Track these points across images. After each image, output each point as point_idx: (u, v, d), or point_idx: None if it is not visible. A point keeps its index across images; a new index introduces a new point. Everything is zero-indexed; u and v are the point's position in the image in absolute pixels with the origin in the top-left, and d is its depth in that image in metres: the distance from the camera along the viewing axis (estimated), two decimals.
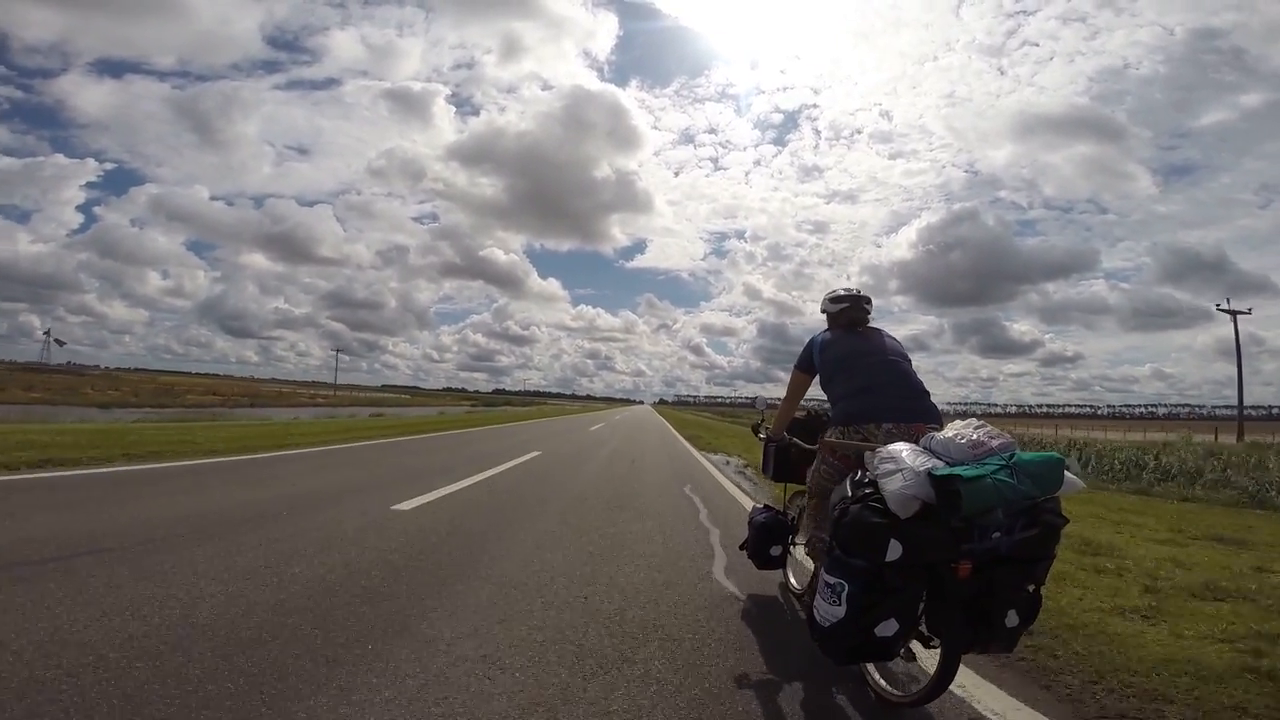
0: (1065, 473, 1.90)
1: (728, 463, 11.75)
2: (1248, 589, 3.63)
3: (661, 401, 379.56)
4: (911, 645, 2.14)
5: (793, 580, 3.47)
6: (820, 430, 3.10)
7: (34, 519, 4.10)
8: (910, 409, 2.50)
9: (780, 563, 3.39)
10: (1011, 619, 1.93)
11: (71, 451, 7.18)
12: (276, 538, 3.98)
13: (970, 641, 1.96)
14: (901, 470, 1.84)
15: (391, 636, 2.52)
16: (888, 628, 1.86)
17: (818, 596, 2.01)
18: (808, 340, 2.97)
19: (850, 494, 2.00)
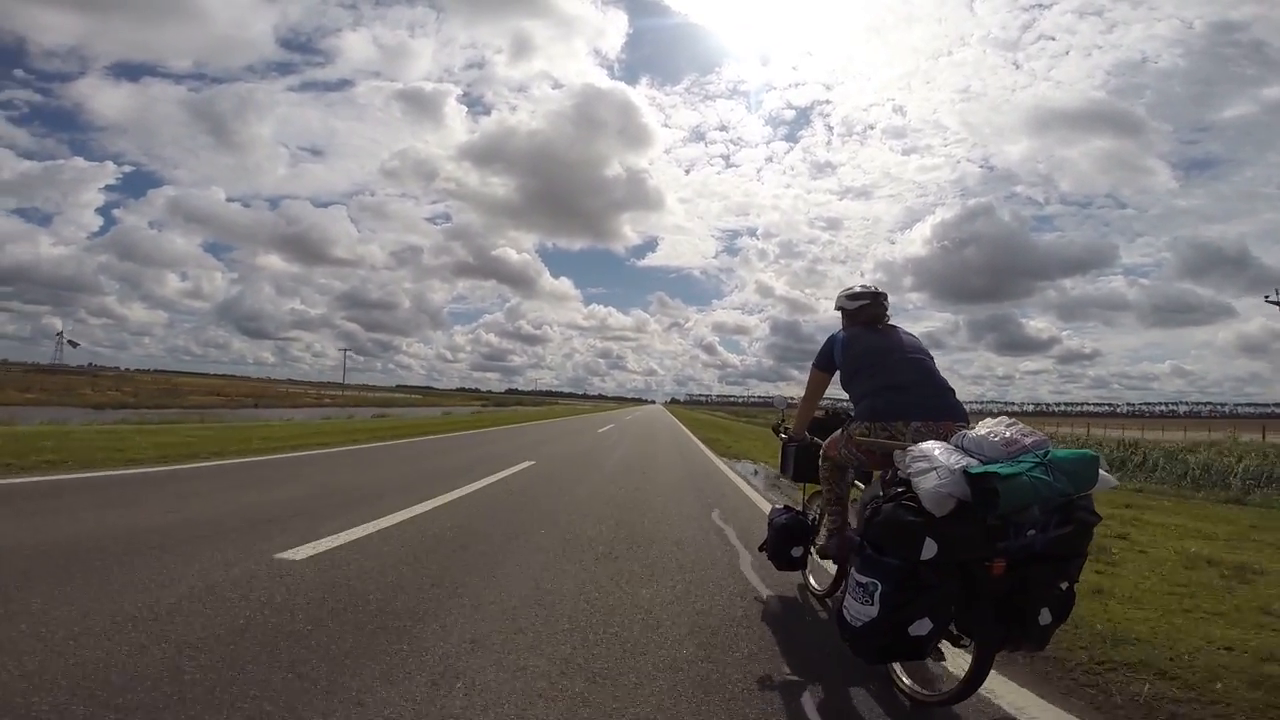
0: (1099, 470, 1.90)
1: (756, 472, 10.06)
2: None
3: (674, 401, 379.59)
4: (941, 645, 2.13)
5: (813, 582, 3.45)
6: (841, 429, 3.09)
7: None
8: (939, 406, 2.49)
9: (802, 564, 3.36)
10: (1045, 617, 1.93)
11: None
12: (54, 612, 2.49)
13: (1003, 640, 1.95)
14: (936, 468, 1.83)
15: None
16: (921, 627, 1.85)
17: (848, 596, 2.00)
18: (826, 338, 2.95)
19: (882, 492, 1.99)
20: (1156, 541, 5.04)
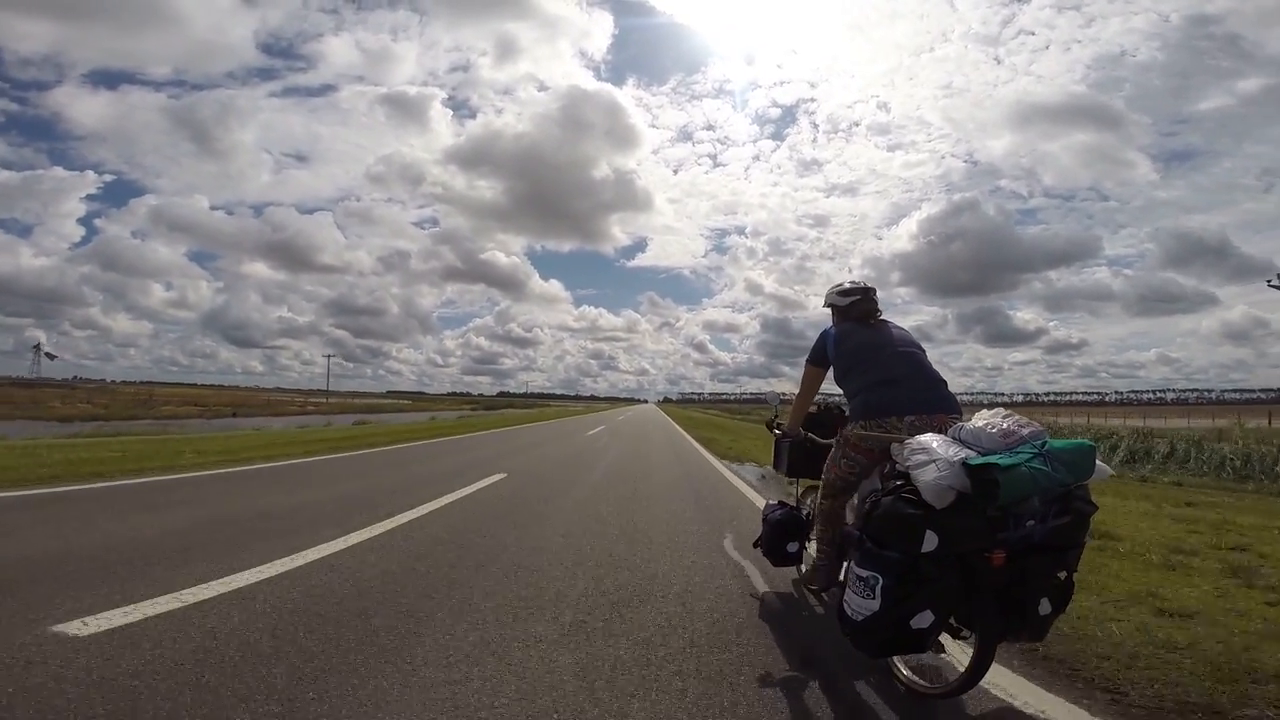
0: (1096, 460, 1.91)
1: (763, 477, 8.87)
2: None
3: (666, 400, 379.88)
4: (941, 637, 2.13)
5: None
6: (835, 424, 3.09)
7: None
8: (931, 400, 2.50)
9: (797, 559, 3.38)
10: (1044, 607, 1.94)
11: None
12: None
13: (1003, 631, 1.96)
14: (935, 461, 1.84)
15: None
16: (923, 619, 1.86)
17: (848, 590, 2.00)
18: (819, 334, 2.95)
19: (881, 486, 1.99)
20: None
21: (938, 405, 2.47)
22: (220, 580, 3.11)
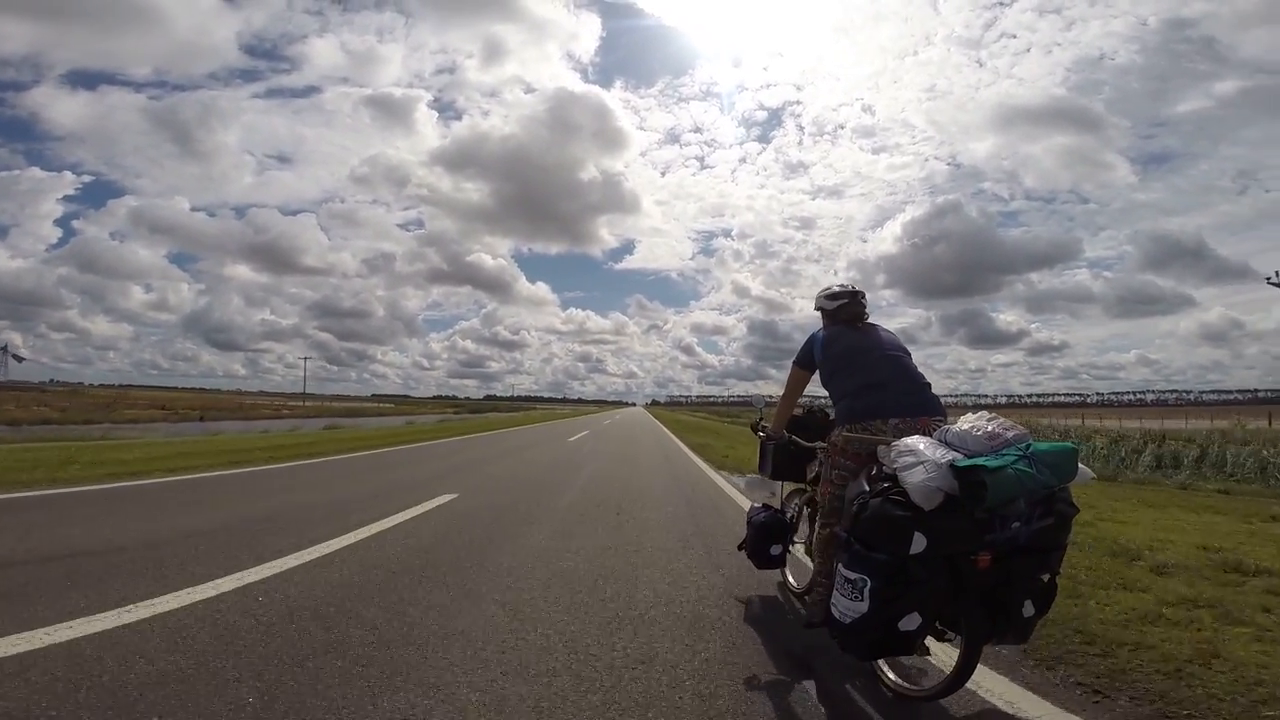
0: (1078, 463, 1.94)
1: (773, 495, 6.05)
2: None
3: (654, 402, 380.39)
4: (926, 640, 2.13)
5: (792, 579, 3.46)
6: (820, 426, 3.09)
7: None
8: (915, 403, 2.50)
9: (780, 562, 3.38)
10: (1028, 609, 1.96)
11: None
12: None
13: (988, 633, 1.97)
14: (923, 463, 1.84)
15: None
16: (911, 621, 1.86)
17: (836, 593, 2.00)
18: (807, 337, 2.95)
19: (868, 488, 1.99)
20: None
21: (923, 408, 2.48)
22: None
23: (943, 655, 2.35)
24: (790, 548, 3.37)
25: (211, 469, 8.35)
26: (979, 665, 2.13)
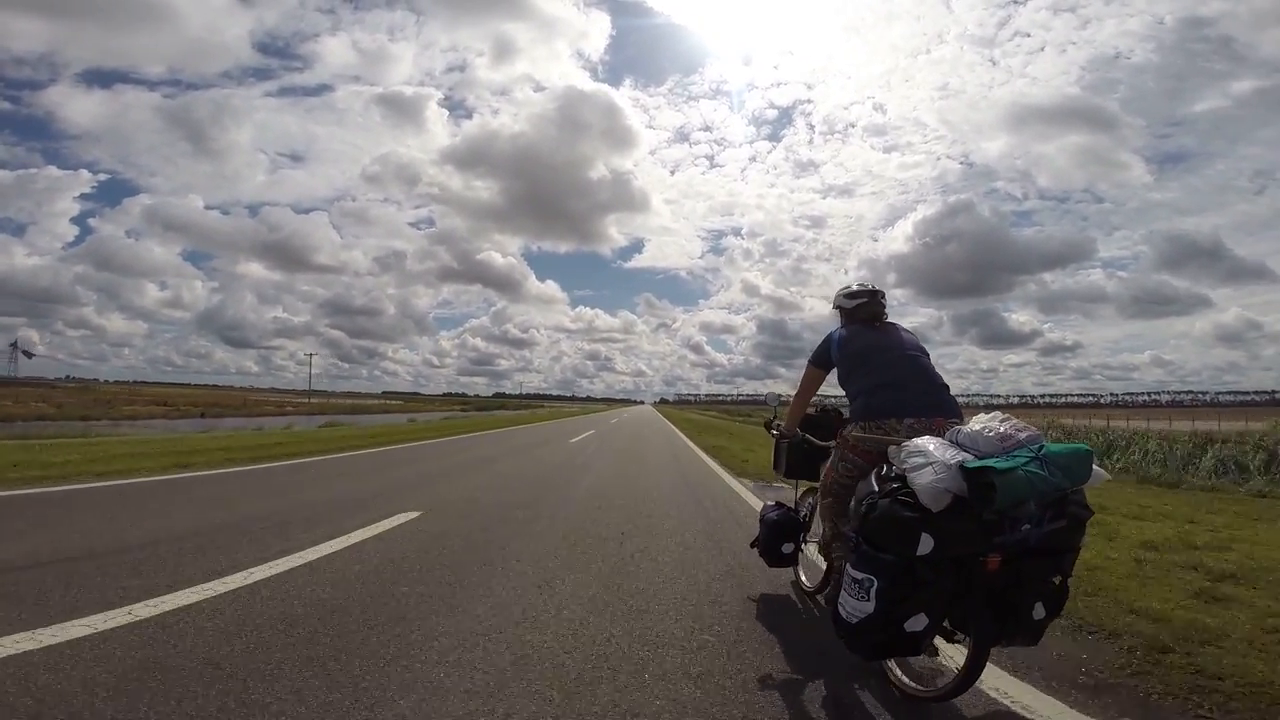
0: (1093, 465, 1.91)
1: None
2: None
3: (662, 401, 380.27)
4: (935, 641, 2.13)
5: (804, 578, 3.47)
6: (833, 426, 3.09)
7: None
8: (932, 403, 2.49)
9: (792, 561, 3.39)
10: (1039, 611, 1.95)
11: None
12: None
13: (998, 635, 1.96)
14: (932, 464, 1.84)
15: None
16: (917, 622, 1.86)
17: (843, 593, 2.00)
18: (824, 336, 2.95)
19: (877, 489, 1.99)
20: None
21: (938, 409, 2.47)
22: None
23: (955, 655, 2.33)
24: (803, 547, 3.38)
25: (150, 473, 7.31)
26: (994, 667, 2.12)
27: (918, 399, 2.50)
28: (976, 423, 2.04)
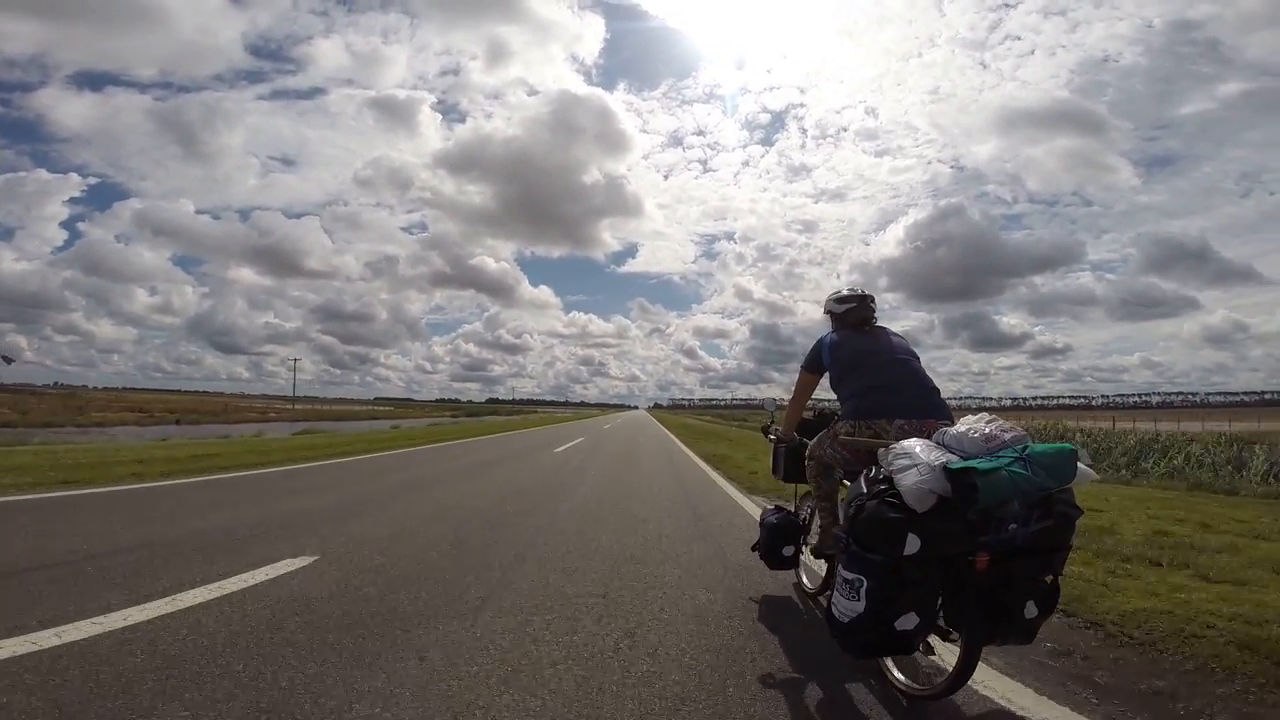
0: (1078, 464, 1.95)
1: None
2: None
3: (656, 406, 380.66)
4: (930, 639, 2.16)
5: (805, 580, 3.52)
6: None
7: None
8: (922, 405, 2.54)
9: (793, 563, 3.43)
10: (1030, 610, 1.98)
11: None
12: None
13: (990, 634, 1.99)
14: (916, 465, 1.88)
15: None
16: (907, 621, 1.89)
17: (835, 592, 2.04)
18: (816, 341, 3.00)
19: (865, 490, 2.03)
20: None
21: (927, 411, 2.52)
22: None
23: (950, 654, 2.36)
24: (803, 549, 3.41)
25: (34, 489, 6.14)
26: (985, 665, 2.14)
27: (909, 401, 2.55)
28: (963, 424, 2.08)
